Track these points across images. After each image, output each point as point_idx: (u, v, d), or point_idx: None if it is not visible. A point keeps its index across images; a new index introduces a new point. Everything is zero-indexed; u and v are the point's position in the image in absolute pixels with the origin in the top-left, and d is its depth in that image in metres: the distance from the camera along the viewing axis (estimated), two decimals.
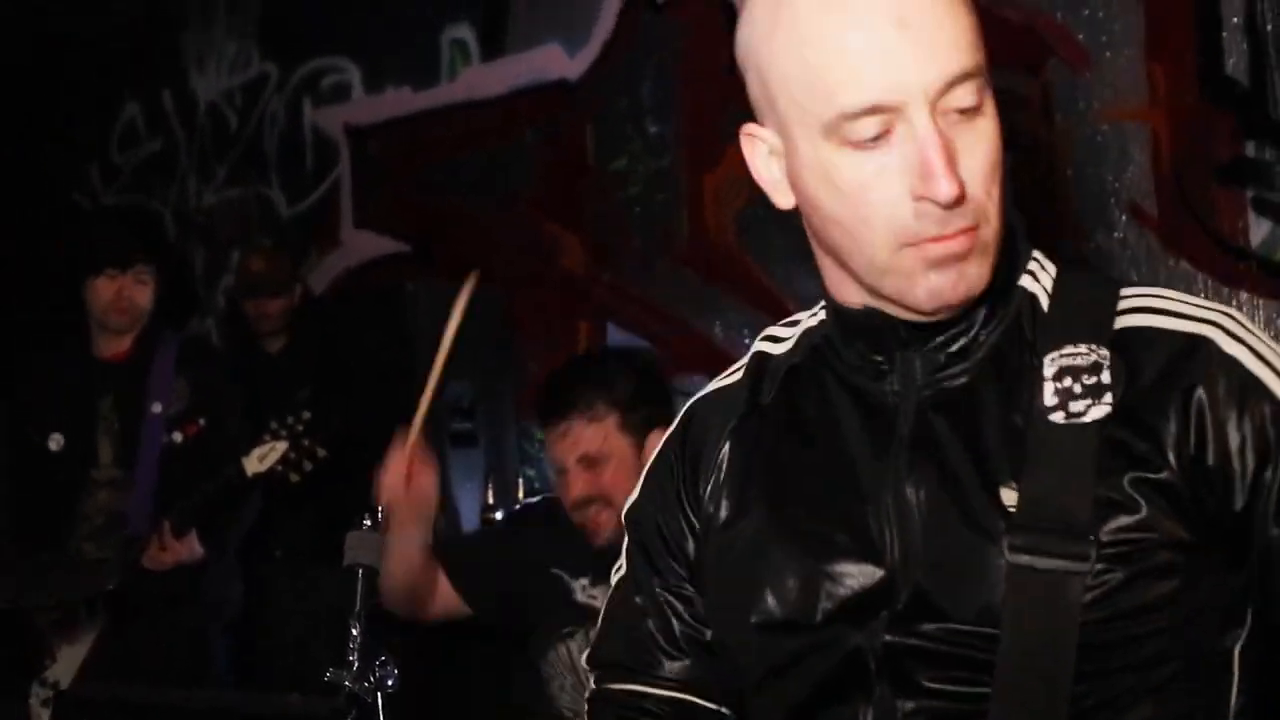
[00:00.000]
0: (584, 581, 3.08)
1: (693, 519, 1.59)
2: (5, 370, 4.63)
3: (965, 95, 1.34)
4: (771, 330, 1.66)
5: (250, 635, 4.92)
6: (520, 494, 4.98)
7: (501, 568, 3.23)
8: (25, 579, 3.53)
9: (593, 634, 2.98)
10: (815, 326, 1.60)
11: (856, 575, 1.42)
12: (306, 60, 6.37)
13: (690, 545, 1.59)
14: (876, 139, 1.33)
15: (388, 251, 5.96)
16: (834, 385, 1.52)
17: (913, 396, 1.46)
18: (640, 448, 3.01)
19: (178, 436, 4.16)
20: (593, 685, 1.69)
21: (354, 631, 2.33)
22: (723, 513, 1.55)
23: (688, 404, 1.69)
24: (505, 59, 5.53)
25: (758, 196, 4.95)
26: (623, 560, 1.69)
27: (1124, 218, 3.87)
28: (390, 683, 2.35)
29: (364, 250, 6.05)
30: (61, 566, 4.02)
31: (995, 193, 1.37)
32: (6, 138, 7.80)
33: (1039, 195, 3.96)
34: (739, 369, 1.65)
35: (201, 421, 4.19)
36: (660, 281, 5.01)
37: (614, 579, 1.69)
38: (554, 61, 5.35)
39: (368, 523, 2.41)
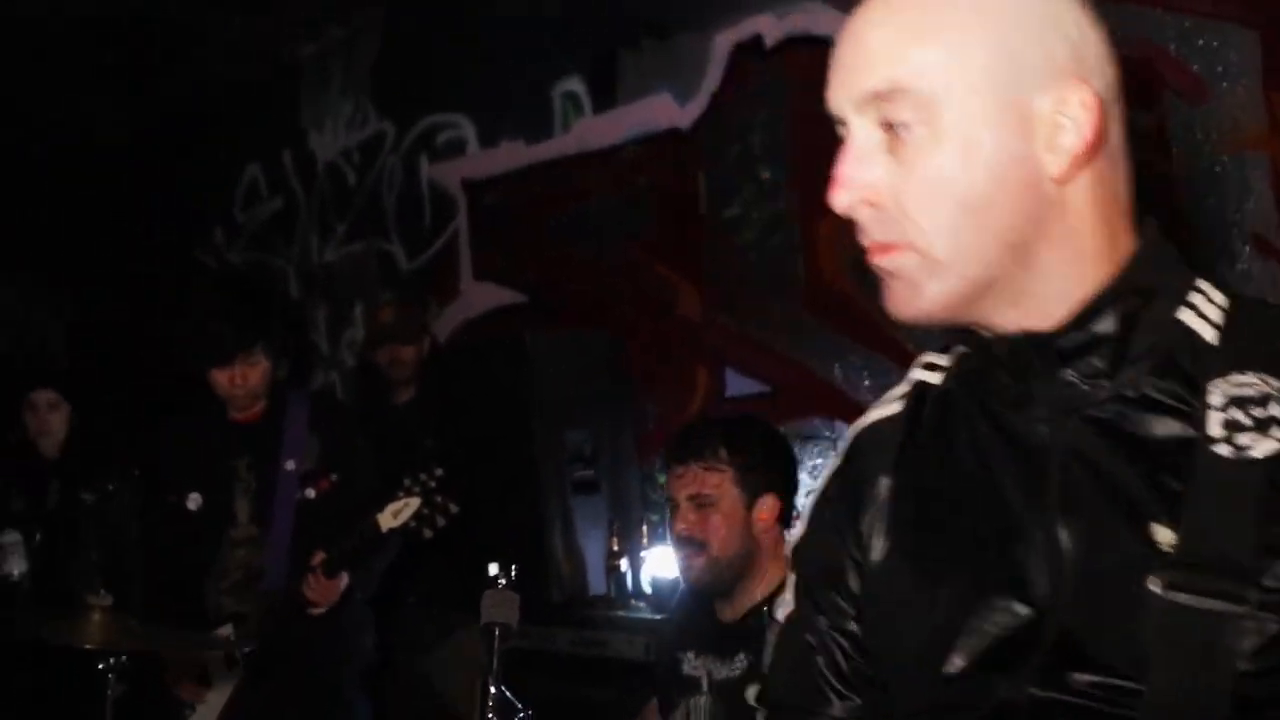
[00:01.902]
0: (689, 654, 3.15)
1: (854, 554, 1.53)
2: (145, 434, 4.74)
3: (894, 110, 1.32)
4: (930, 357, 1.59)
5: (383, 683, 4.98)
6: (645, 540, 5.00)
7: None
8: (165, 638, 3.60)
9: (690, 703, 3.06)
10: (966, 355, 1.52)
11: (1004, 617, 1.36)
12: (422, 117, 6.50)
13: (854, 581, 1.53)
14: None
15: (506, 302, 6.06)
16: (984, 419, 1.44)
17: (1061, 428, 1.37)
18: (751, 507, 3.13)
19: (311, 493, 4.20)
20: None
21: (490, 688, 2.39)
22: (878, 549, 1.50)
23: (849, 434, 1.62)
24: (617, 110, 5.60)
25: None
26: (790, 596, 1.63)
27: (1247, 249, 3.79)
28: None
29: (483, 301, 6.16)
30: (197, 637, 4.09)
31: (939, 217, 1.32)
32: (136, 202, 8.04)
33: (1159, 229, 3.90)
34: (899, 397, 1.59)
35: (334, 476, 4.23)
36: (778, 326, 5.01)
37: (780, 614, 1.63)
38: (665, 111, 5.41)
39: (503, 581, 2.47)
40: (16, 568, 4.61)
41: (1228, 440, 1.29)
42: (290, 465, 4.20)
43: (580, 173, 5.72)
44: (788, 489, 3.22)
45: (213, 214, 7.75)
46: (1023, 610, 1.35)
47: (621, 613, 4.59)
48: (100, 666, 3.04)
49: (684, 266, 5.33)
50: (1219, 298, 1.40)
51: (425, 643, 5.26)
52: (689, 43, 5.31)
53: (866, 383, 4.68)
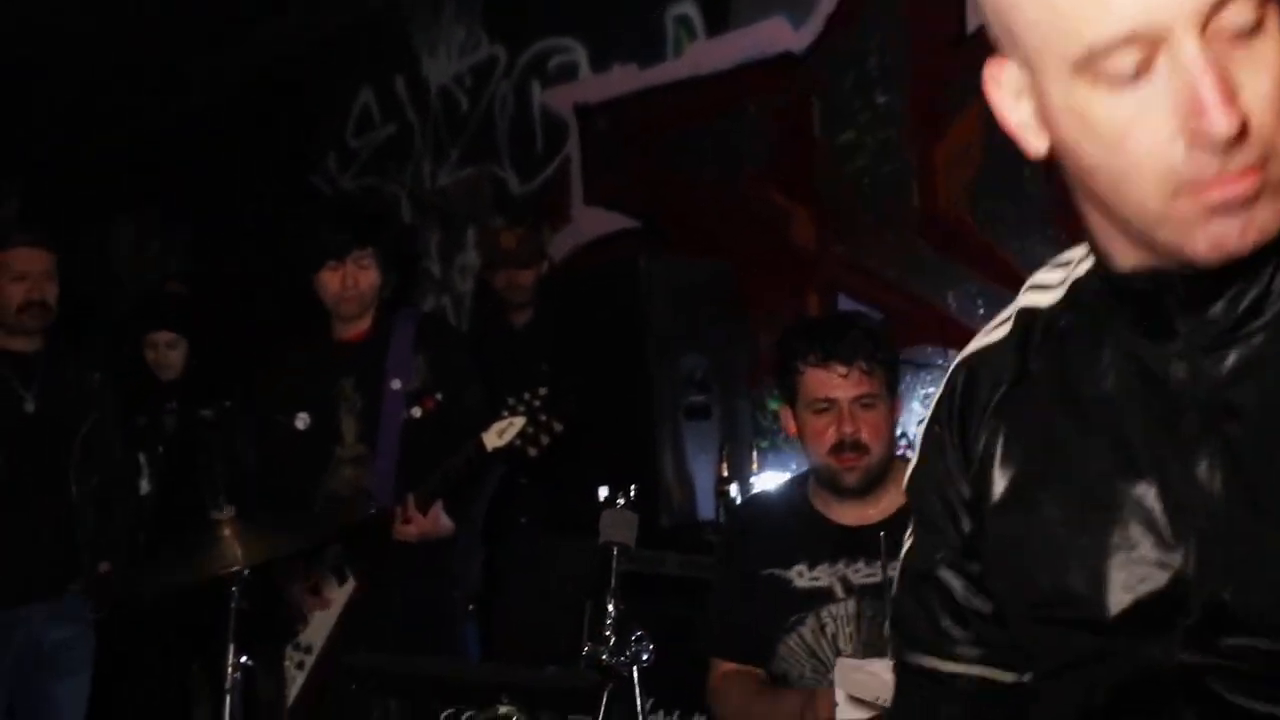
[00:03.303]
0: (800, 567, 3.10)
1: (964, 493, 1.46)
2: (256, 356, 4.82)
3: (1240, 13, 1.12)
4: (1038, 277, 1.47)
5: (490, 605, 5.04)
6: (754, 466, 4.99)
7: (742, 609, 3.22)
8: (293, 527, 3.67)
9: (823, 613, 3.02)
10: (1086, 277, 1.40)
11: (1144, 574, 1.28)
12: (533, 42, 6.48)
13: (965, 522, 1.47)
14: (1136, 75, 1.14)
15: (618, 227, 6.06)
16: (1110, 350, 1.34)
17: (1201, 365, 1.27)
18: (892, 410, 3.11)
19: (417, 412, 4.23)
20: (896, 652, 1.61)
21: (609, 607, 2.40)
22: (995, 493, 1.42)
23: (952, 367, 1.53)
24: (730, 34, 5.54)
25: (989, 165, 4.88)
26: (911, 529, 1.58)
27: None
28: (645, 657, 2.41)
29: (594, 227, 6.16)
30: (322, 508, 4.18)
31: None
32: (252, 132, 8.13)
33: None
34: (1004, 322, 1.48)
35: (439, 396, 4.24)
36: (891, 253, 4.97)
37: (905, 546, 1.59)
38: (779, 35, 5.34)
39: (621, 501, 2.48)
40: (141, 488, 4.72)
41: None
42: (396, 385, 4.23)
43: (693, 97, 5.68)
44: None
45: (327, 141, 7.81)
46: (1162, 570, 1.27)
47: None
48: (224, 580, 3.10)
49: (797, 193, 5.29)
50: None
51: (534, 564, 5.32)
52: None
53: (981, 311, 4.63)
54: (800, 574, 3.09)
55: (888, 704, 2.16)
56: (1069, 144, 1.22)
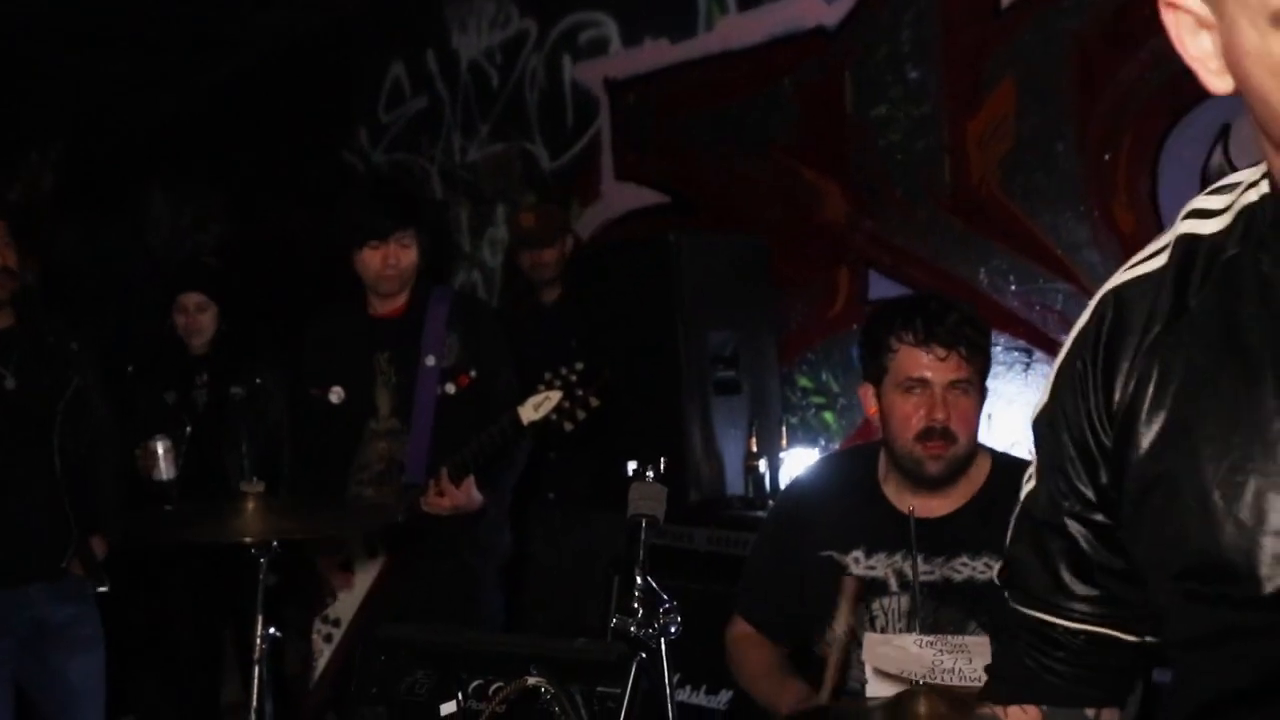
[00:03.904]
0: (857, 554, 3.03)
1: (1105, 440, 1.37)
2: (289, 329, 4.82)
3: None
4: (1200, 201, 1.36)
5: (519, 577, 5.06)
6: (783, 442, 4.99)
7: (781, 586, 3.18)
8: (318, 515, 3.67)
9: (875, 605, 2.95)
10: (1258, 202, 1.29)
11: None
12: (564, 16, 6.46)
13: (1102, 472, 1.38)
14: None
15: (649, 203, 6.05)
16: (1277, 285, 1.23)
17: None
18: (981, 401, 2.99)
19: (450, 388, 4.25)
20: (1008, 601, 1.56)
21: (638, 579, 2.40)
22: (1143, 443, 1.31)
23: (1100, 293, 1.42)
24: (762, 8, 5.51)
25: (1022, 140, 4.85)
26: (1033, 471, 1.50)
27: None
28: (673, 630, 2.41)
29: (625, 202, 6.15)
30: (350, 505, 4.17)
31: None
32: (285, 105, 8.14)
33: None
34: (1161, 250, 1.37)
35: (473, 373, 4.27)
36: (922, 229, 4.95)
37: (1024, 490, 1.52)
38: (811, 9, 5.32)
39: (650, 474, 2.47)
40: (167, 473, 4.70)
41: None
42: (430, 361, 4.25)
43: (724, 72, 5.66)
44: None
45: (358, 115, 7.82)
46: None
47: (759, 513, 4.59)
48: (254, 552, 3.10)
49: (828, 168, 5.27)
50: None
51: (562, 537, 5.33)
52: None
53: (1012, 287, 4.60)
54: (857, 561, 3.02)
55: (913, 677, 2.14)
56: (1261, 90, 1.14)
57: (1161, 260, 1.36)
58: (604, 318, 5.12)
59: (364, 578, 4.26)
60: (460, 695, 2.48)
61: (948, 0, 4.87)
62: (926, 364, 2.93)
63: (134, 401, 5.32)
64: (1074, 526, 1.42)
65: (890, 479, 3.09)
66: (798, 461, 4.72)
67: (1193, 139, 4.18)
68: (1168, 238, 1.37)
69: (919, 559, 2.90)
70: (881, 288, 5.03)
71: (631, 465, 2.56)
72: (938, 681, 2.59)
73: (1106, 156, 4.42)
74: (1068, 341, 1.44)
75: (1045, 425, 1.46)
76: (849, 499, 3.12)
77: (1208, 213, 1.34)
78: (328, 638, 4.28)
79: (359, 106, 7.78)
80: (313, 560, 4.30)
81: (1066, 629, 1.46)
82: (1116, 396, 1.35)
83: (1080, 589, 1.44)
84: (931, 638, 2.77)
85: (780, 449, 4.94)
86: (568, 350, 4.30)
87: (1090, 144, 4.47)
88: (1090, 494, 1.40)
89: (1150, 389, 1.31)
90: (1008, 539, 1.54)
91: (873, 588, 2.98)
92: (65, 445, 4.34)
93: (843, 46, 5.21)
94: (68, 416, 4.36)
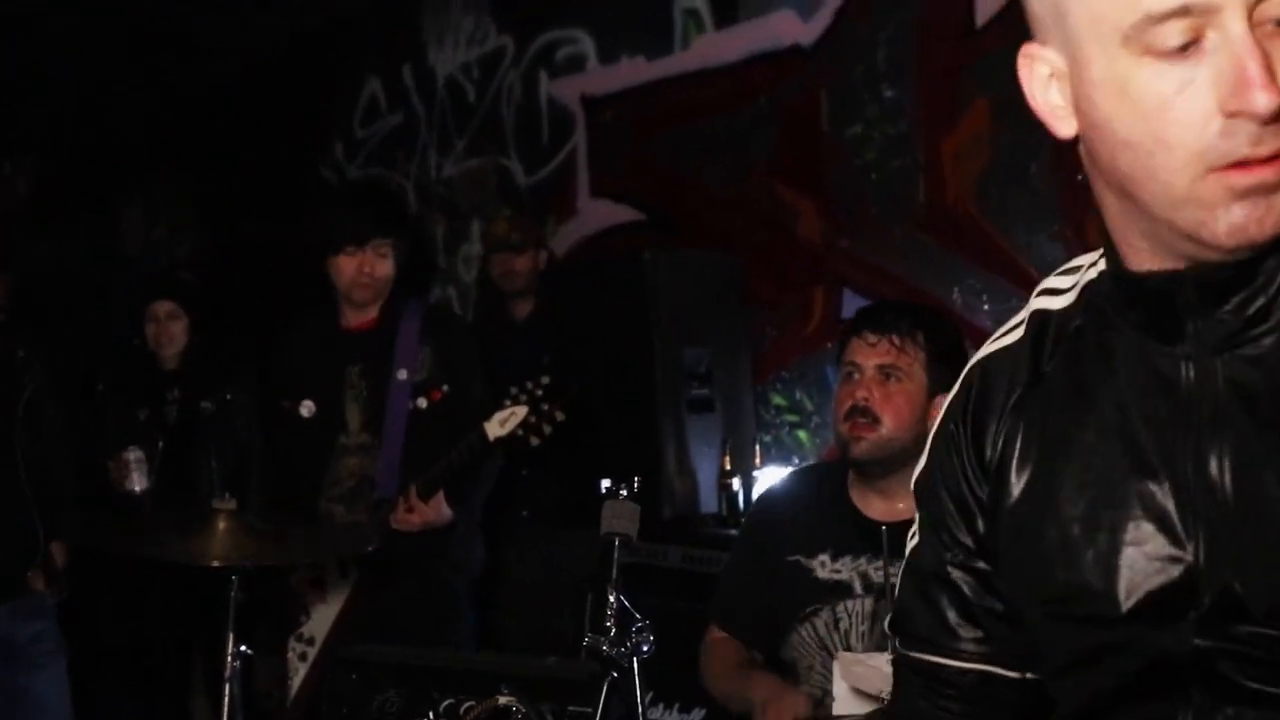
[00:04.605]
0: (823, 558, 3.05)
1: (980, 493, 1.49)
2: (261, 342, 4.80)
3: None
4: (1049, 281, 1.52)
5: (490, 595, 5.04)
6: (757, 460, 4.99)
7: (751, 591, 3.20)
8: (290, 539, 3.64)
9: (839, 607, 2.99)
10: (1097, 279, 1.44)
11: (1156, 568, 1.31)
12: (541, 32, 6.47)
13: (979, 521, 1.50)
14: (1184, 48, 1.17)
15: (624, 220, 6.05)
16: (1121, 352, 1.37)
17: (1211, 366, 1.30)
18: (928, 401, 3.00)
19: (423, 402, 4.22)
20: (896, 648, 1.64)
21: (610, 598, 2.39)
22: (1012, 493, 1.45)
23: (968, 367, 1.56)
24: (738, 26, 5.53)
25: (996, 160, 4.87)
26: (915, 529, 1.61)
27: None
28: (646, 649, 2.40)
29: (601, 218, 6.15)
30: (323, 529, 4.14)
31: None
32: (260, 119, 8.12)
33: None
34: (1018, 325, 1.51)
35: (445, 387, 4.24)
36: (897, 248, 4.96)
37: (909, 546, 1.62)
38: (787, 28, 5.33)
39: (623, 493, 2.47)
40: (139, 484, 4.67)
41: None
42: (403, 375, 4.22)
43: (700, 90, 5.67)
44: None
45: (334, 129, 7.81)
46: (1175, 563, 1.30)
47: (733, 531, 4.58)
48: (223, 573, 3.08)
49: (804, 186, 5.28)
50: None
51: (535, 555, 5.32)
52: None
53: (986, 306, 4.62)
54: (823, 564, 3.05)
55: (886, 697, 2.15)
56: (1103, 118, 1.25)
57: (1019, 334, 1.50)
58: (579, 334, 5.11)
59: (336, 594, 4.23)
60: (431, 714, 2.47)
61: (923, 20, 4.89)
62: (857, 348, 3.04)
63: (105, 418, 5.29)
64: (957, 575, 1.53)
65: (856, 485, 3.14)
66: (771, 480, 4.72)
67: None
68: (1023, 314, 1.52)
69: (878, 560, 2.93)
70: (856, 306, 5.00)
71: (605, 483, 2.56)
72: None
73: (1080, 176, 4.43)
74: (941, 410, 1.58)
75: (925, 485, 1.58)
76: (817, 507, 3.16)
77: (1056, 291, 1.50)
78: (303, 656, 4.24)
79: (335, 121, 7.78)
80: (285, 578, 4.27)
81: (957, 669, 1.55)
82: (988, 454, 1.48)
83: (966, 631, 1.54)
84: None
85: (754, 467, 4.95)
86: (540, 366, 4.29)
87: (1064, 163, 4.48)
88: (970, 542, 1.51)
89: (1017, 445, 1.45)
90: (896, 592, 1.66)
91: (839, 590, 3.01)
92: (27, 452, 4.29)
93: (819, 65, 5.22)
94: (26, 424, 4.31)
